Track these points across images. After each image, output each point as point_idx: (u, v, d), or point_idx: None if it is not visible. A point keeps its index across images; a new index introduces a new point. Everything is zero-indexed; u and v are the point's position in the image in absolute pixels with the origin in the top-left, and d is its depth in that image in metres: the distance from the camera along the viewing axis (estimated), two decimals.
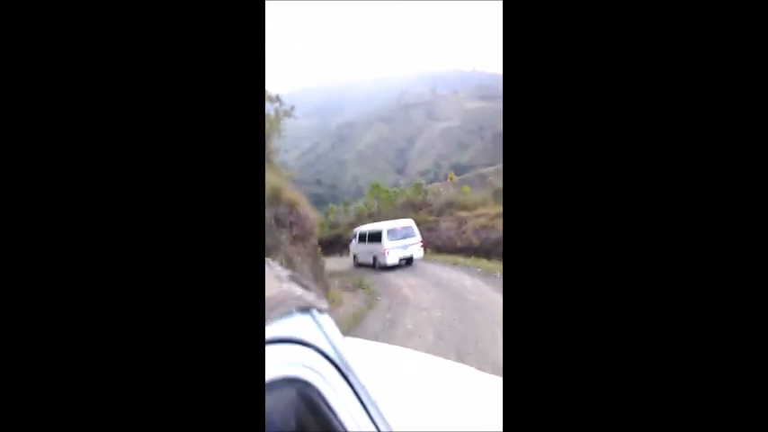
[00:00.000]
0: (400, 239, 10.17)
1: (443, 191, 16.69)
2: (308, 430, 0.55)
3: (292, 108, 10.84)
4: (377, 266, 10.27)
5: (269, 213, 5.75)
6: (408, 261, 10.19)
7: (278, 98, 10.67)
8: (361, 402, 0.59)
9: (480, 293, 6.61)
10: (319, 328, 0.58)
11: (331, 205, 24.40)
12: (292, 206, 6.59)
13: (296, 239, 6.82)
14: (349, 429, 0.56)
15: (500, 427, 0.49)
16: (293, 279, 0.62)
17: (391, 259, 9.94)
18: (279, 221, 6.04)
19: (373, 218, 16.55)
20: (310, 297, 0.59)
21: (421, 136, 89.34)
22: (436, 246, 12.51)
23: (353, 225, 15.72)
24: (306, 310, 0.57)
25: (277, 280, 0.60)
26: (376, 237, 10.48)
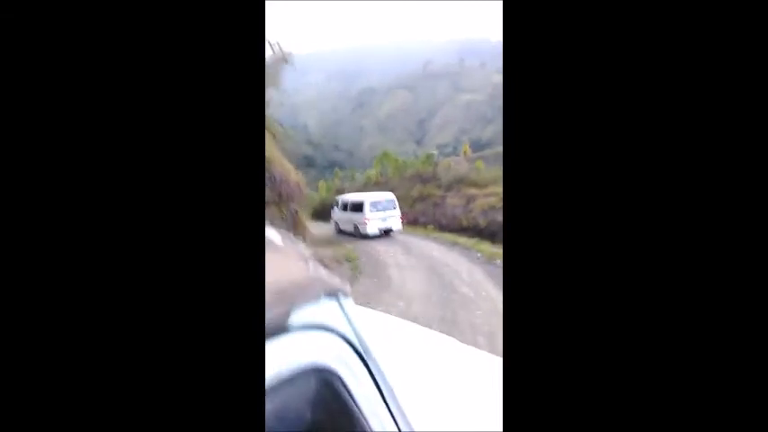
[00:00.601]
0: (381, 211, 10.53)
1: (455, 165, 15.78)
2: (332, 420, 0.53)
3: (290, 54, 10.19)
4: (357, 235, 10.61)
5: None
6: (387, 232, 10.62)
7: (286, 57, 10.00)
8: (381, 392, 0.58)
9: (474, 285, 5.77)
10: (344, 313, 0.57)
11: (336, 170, 23.68)
12: (268, 165, 6.05)
13: (271, 203, 6.14)
14: (370, 420, 0.55)
15: (499, 425, 0.49)
16: (315, 262, 0.61)
17: (371, 229, 10.32)
18: None
19: (380, 186, 16.21)
20: (335, 280, 0.58)
21: (443, 107, 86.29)
22: (440, 223, 12.07)
23: (359, 192, 15.00)
24: (332, 294, 0.56)
25: (303, 261, 0.58)
26: (358, 207, 10.73)
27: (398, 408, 0.60)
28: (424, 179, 15.31)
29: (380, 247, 9.35)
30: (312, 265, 0.59)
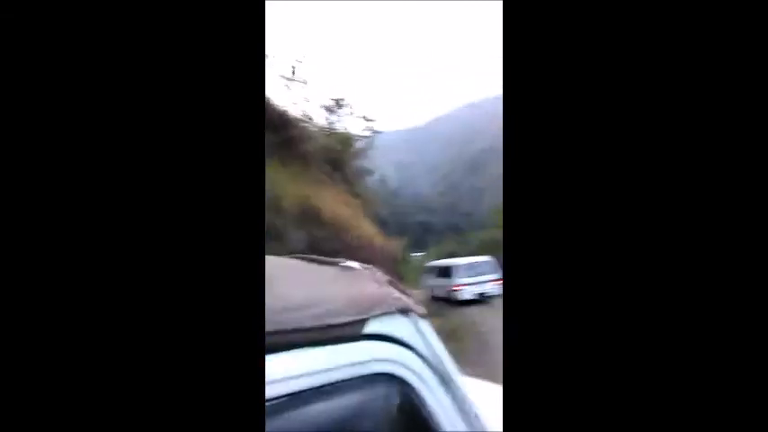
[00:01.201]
0: (474, 276, 10.29)
1: None
2: (405, 428, 0.55)
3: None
4: (450, 300, 10.29)
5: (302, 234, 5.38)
6: (485, 298, 10.14)
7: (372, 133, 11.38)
8: (461, 412, 0.58)
9: None
10: (419, 331, 0.58)
11: (447, 235, 20.18)
12: (347, 229, 6.23)
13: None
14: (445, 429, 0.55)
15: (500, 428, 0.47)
16: (392, 284, 0.61)
17: (464, 295, 10.07)
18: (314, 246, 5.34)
19: (498, 245, 12.88)
20: (411, 301, 0.59)
21: None
22: None
23: (471, 253, 14.23)
24: (406, 312, 0.57)
25: (376, 283, 0.59)
26: (446, 272, 10.77)
27: (471, 415, 0.60)
28: None
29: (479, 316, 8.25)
30: (386, 284, 0.61)
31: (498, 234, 14.49)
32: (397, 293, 0.59)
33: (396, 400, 0.53)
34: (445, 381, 0.58)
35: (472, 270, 10.53)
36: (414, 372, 0.55)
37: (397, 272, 10.60)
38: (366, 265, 0.66)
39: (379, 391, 0.52)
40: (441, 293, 10.97)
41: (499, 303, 9.40)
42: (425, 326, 0.60)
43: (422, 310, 0.61)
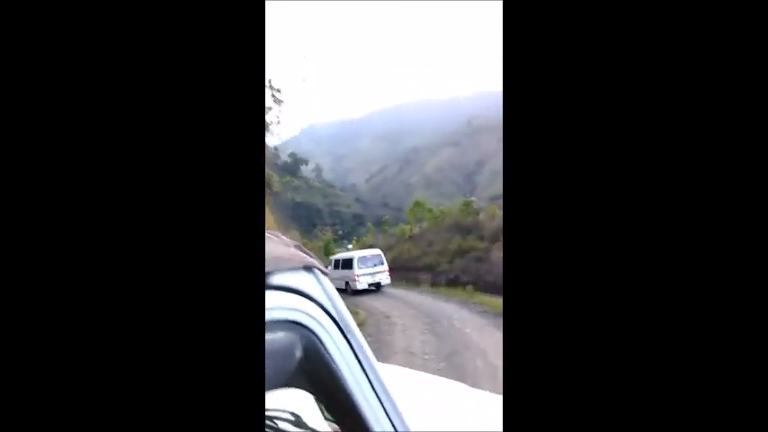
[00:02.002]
0: (370, 267, 11.54)
1: (500, 213, 11.93)
2: (307, 369, 0.59)
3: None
4: (348, 291, 11.26)
5: None
6: (377, 286, 11.52)
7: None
8: (359, 360, 0.62)
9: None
10: (321, 286, 0.61)
11: (369, 225, 23.11)
12: None
13: None
14: (344, 373, 0.60)
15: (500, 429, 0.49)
16: (297, 247, 0.65)
17: (361, 284, 11.25)
18: None
19: (414, 240, 15.19)
20: (316, 261, 0.62)
21: (491, 160, 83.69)
22: (485, 281, 10.04)
23: (391, 247, 15.51)
24: (310, 269, 0.60)
25: (284, 245, 0.63)
26: (348, 263, 11.79)
27: (372, 369, 0.63)
28: (464, 229, 13.42)
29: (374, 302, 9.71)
30: (293, 247, 0.64)
31: (410, 227, 16.40)
32: (302, 254, 0.62)
33: (299, 345, 0.57)
34: (345, 332, 0.62)
35: (369, 262, 11.74)
36: (316, 321, 0.58)
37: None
38: (272, 231, 0.67)
39: (283, 336, 0.55)
40: (340, 285, 11.42)
41: (388, 290, 11.67)
42: (327, 282, 0.63)
43: (325, 269, 0.64)
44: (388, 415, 0.65)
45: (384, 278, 12.00)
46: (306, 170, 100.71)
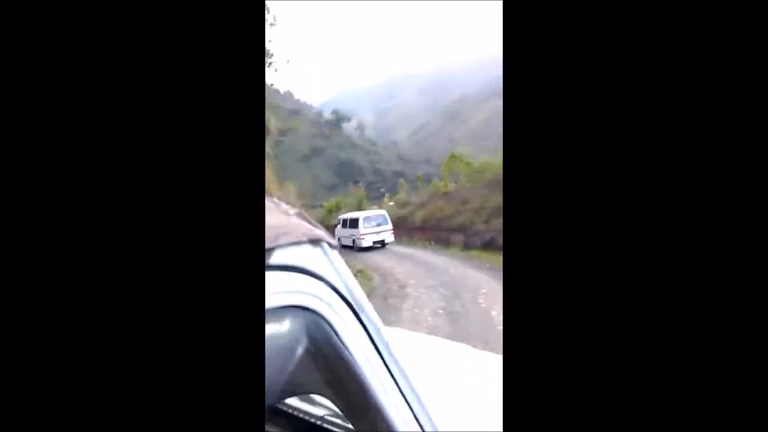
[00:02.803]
0: (375, 226, 12.20)
1: None
2: (317, 363, 0.54)
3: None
4: (355, 248, 11.91)
5: None
6: (382, 244, 12.17)
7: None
8: (372, 340, 0.57)
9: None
10: (330, 262, 0.56)
11: (401, 181, 21.06)
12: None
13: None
14: (360, 365, 0.55)
15: (500, 425, 0.48)
16: (300, 216, 0.60)
17: (366, 242, 11.92)
18: None
19: (448, 197, 14.09)
20: (321, 232, 0.57)
21: None
22: None
23: (423, 205, 14.80)
24: (316, 242, 0.55)
25: (284, 214, 0.58)
26: (354, 223, 12.38)
27: (387, 348, 0.59)
28: None
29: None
30: (295, 216, 0.59)
31: (445, 183, 14.60)
32: (306, 224, 0.57)
33: (307, 332, 0.52)
34: (357, 311, 0.56)
35: (373, 221, 12.44)
36: (325, 302, 0.53)
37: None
38: (271, 198, 0.61)
39: (289, 323, 0.50)
40: (347, 242, 12.37)
41: (391, 248, 12.00)
42: (336, 256, 0.57)
43: (333, 240, 0.58)
44: (413, 411, 0.59)
45: (388, 237, 12.46)
46: (348, 128, 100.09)
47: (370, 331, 0.58)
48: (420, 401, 0.59)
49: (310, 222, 0.59)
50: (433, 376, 0.93)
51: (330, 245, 0.57)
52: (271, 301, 0.47)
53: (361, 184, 25.11)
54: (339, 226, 13.73)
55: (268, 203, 0.58)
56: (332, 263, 0.56)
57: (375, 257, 11.04)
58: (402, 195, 18.67)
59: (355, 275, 0.60)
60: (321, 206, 23.95)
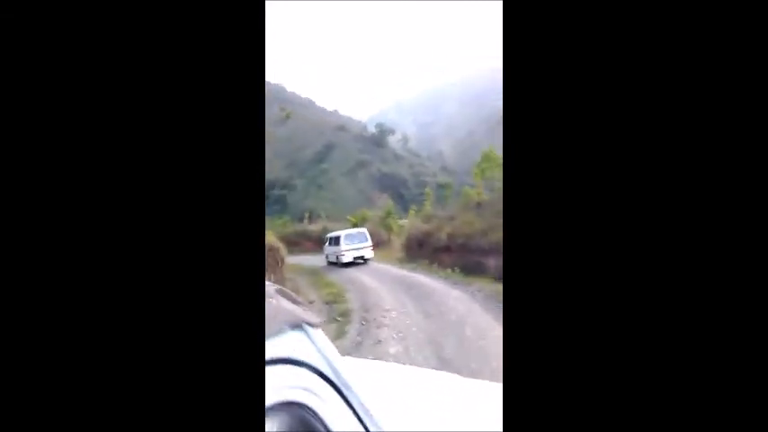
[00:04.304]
0: (355, 243, 12.81)
1: None
2: None
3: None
4: (338, 263, 12.60)
5: None
6: (363, 260, 12.72)
7: None
8: (362, 423, 0.56)
9: None
10: (314, 344, 0.55)
11: (427, 190, 17.99)
12: None
13: None
14: None
15: (500, 428, 0.47)
16: (280, 293, 0.59)
17: (346, 258, 12.42)
18: None
19: (481, 209, 11.18)
20: (301, 312, 0.56)
21: None
22: None
23: (451, 219, 11.99)
24: (298, 326, 0.54)
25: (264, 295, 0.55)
26: (337, 241, 12.98)
27: (373, 423, 0.57)
28: None
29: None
30: (275, 298, 0.57)
31: (478, 191, 11.89)
32: (286, 304, 0.55)
33: (296, 428, 0.49)
34: (343, 394, 0.55)
35: (354, 239, 13.03)
36: (314, 394, 0.51)
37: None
38: None
39: (280, 421, 0.47)
40: (333, 259, 13.25)
41: (372, 264, 12.20)
42: (319, 336, 0.56)
43: (315, 319, 0.57)
44: None
45: (368, 253, 13.00)
46: (393, 140, 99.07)
47: (357, 411, 0.56)
48: None
49: (291, 299, 0.58)
50: (422, 408, 0.91)
51: (312, 324, 0.57)
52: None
53: (386, 194, 22.72)
54: (326, 244, 14.15)
55: None
56: (315, 345, 0.56)
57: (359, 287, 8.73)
58: (428, 207, 15.77)
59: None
60: (347, 220, 22.35)
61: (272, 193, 77.84)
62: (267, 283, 0.60)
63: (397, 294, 7.58)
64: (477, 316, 5.46)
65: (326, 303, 7.47)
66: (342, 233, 13.57)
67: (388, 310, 6.40)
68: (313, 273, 11.98)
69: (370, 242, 13.35)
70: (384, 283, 8.87)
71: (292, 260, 14.44)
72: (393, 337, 5.01)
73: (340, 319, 6.13)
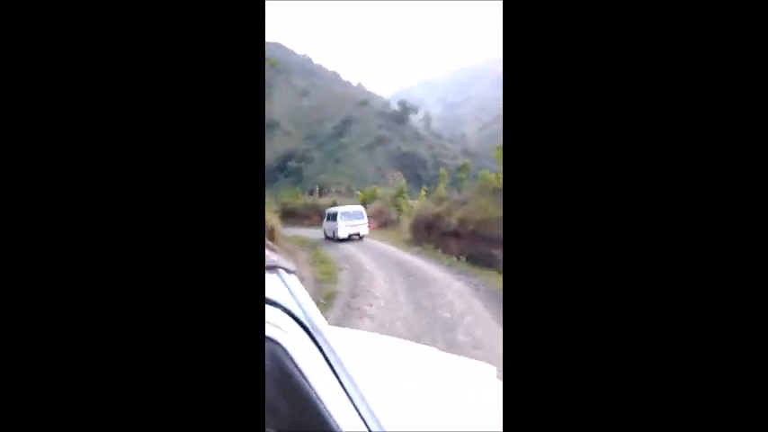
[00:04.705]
0: (351, 220, 13.39)
1: None
2: (278, 390, 0.54)
3: None
4: (334, 238, 13.20)
5: None
6: (359, 236, 13.28)
7: None
8: (330, 364, 0.58)
9: None
10: (287, 288, 0.57)
11: (441, 171, 16.89)
12: None
13: None
14: (318, 391, 0.56)
15: (496, 422, 0.46)
16: None
17: (342, 234, 13.03)
18: None
19: (499, 193, 9.72)
20: (276, 257, 0.58)
21: None
22: None
23: (465, 203, 11.29)
24: (273, 269, 0.56)
25: None
26: (334, 217, 13.66)
27: (349, 379, 0.59)
28: None
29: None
30: None
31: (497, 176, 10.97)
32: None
33: (268, 363, 0.50)
34: (314, 336, 0.58)
35: (350, 216, 13.63)
36: (285, 333, 0.54)
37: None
38: None
39: None
40: (330, 234, 13.86)
41: (374, 243, 12.34)
42: (293, 281, 0.58)
43: (290, 265, 0.60)
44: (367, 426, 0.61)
45: (363, 230, 13.62)
46: (415, 119, 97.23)
47: (327, 355, 0.59)
48: (379, 422, 0.60)
49: (269, 247, 0.58)
50: (401, 379, 0.95)
51: (287, 270, 0.59)
52: None
53: (400, 173, 21.89)
54: (325, 220, 14.77)
55: None
56: (289, 289, 0.58)
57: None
58: (442, 189, 14.81)
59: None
60: (357, 196, 21.76)
61: (289, 165, 77.94)
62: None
63: (392, 280, 7.02)
64: (476, 315, 4.79)
65: (317, 281, 7.05)
66: (339, 209, 14.30)
67: (377, 298, 5.81)
68: (312, 247, 11.88)
69: (365, 220, 14.03)
70: (382, 266, 8.35)
71: (295, 232, 15.43)
72: (371, 332, 4.52)
73: (323, 302, 5.58)
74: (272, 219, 9.00)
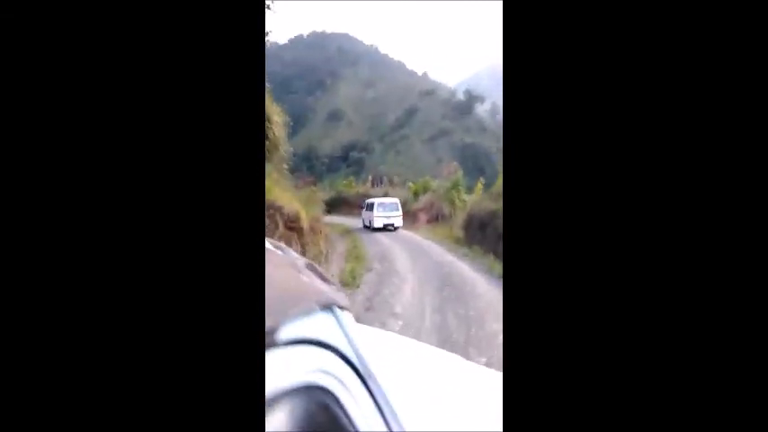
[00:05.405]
0: (387, 211, 14.17)
1: None
2: None
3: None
4: (370, 227, 14.06)
5: None
6: (393, 227, 13.92)
7: None
8: (381, 411, 0.56)
9: None
10: (341, 328, 0.54)
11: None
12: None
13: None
14: None
15: (500, 424, 0.47)
16: (311, 268, 0.57)
17: (377, 223, 13.79)
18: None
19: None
20: (331, 292, 0.55)
21: None
22: None
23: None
24: (328, 307, 0.53)
25: (294, 269, 0.55)
26: (371, 207, 14.46)
27: (394, 416, 0.57)
28: None
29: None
30: (306, 274, 0.55)
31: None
32: (318, 283, 0.54)
33: (317, 414, 0.48)
34: (366, 381, 0.55)
35: (386, 207, 14.43)
36: (338, 379, 0.50)
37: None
38: (278, 243, 0.58)
39: (299, 404, 0.46)
40: (367, 223, 14.70)
41: (419, 240, 11.43)
42: (348, 319, 0.55)
43: (345, 301, 0.56)
44: None
45: (397, 221, 14.22)
46: (480, 110, 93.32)
47: (378, 399, 0.57)
48: None
49: (322, 277, 0.57)
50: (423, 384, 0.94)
51: (342, 307, 0.56)
52: (283, 383, 0.43)
53: (456, 163, 20.94)
54: (364, 209, 15.44)
55: (275, 253, 0.55)
56: (343, 330, 0.55)
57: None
58: (501, 183, 13.51)
59: None
60: (409, 188, 20.71)
61: (351, 155, 78.49)
62: (294, 254, 0.59)
63: (423, 292, 5.75)
64: None
65: (341, 282, 6.31)
66: (376, 200, 15.11)
67: (395, 316, 4.64)
68: (352, 239, 11.49)
69: (400, 212, 14.72)
70: (416, 270, 7.29)
71: (342, 220, 16.30)
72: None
73: None
74: (314, 208, 8.63)
